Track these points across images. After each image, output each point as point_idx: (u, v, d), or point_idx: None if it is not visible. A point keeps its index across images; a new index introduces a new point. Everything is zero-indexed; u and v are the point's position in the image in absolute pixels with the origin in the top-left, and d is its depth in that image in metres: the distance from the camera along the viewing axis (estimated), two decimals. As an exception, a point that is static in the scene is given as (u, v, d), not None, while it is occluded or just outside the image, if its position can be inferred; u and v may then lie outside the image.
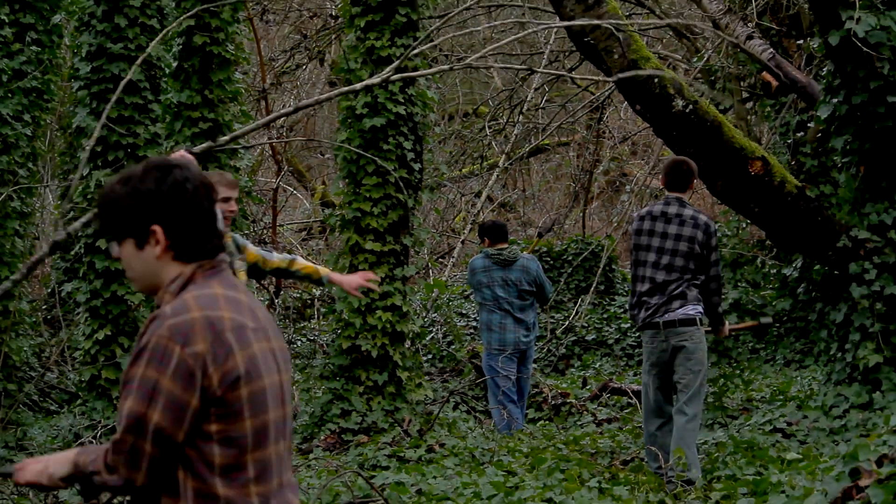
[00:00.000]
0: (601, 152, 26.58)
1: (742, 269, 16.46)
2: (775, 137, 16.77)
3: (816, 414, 11.70)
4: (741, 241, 16.94)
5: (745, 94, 18.26)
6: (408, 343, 14.06)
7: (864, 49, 11.02)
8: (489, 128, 25.26)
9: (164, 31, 8.97)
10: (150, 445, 3.44)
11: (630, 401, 15.19)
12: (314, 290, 21.42)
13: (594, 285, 20.04)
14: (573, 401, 15.54)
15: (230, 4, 14.35)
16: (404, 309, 13.88)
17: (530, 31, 15.21)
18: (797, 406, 12.69)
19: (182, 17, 10.60)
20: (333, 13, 24.63)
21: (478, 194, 25.87)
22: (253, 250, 8.66)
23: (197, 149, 7.74)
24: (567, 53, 24.12)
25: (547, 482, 9.51)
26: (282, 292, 20.20)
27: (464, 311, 20.95)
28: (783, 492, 8.13)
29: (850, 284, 11.52)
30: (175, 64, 14.50)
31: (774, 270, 16.34)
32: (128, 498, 3.59)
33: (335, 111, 15.72)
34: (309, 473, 11.07)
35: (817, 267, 12.24)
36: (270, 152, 23.75)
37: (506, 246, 14.17)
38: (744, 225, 16.87)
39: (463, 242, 22.64)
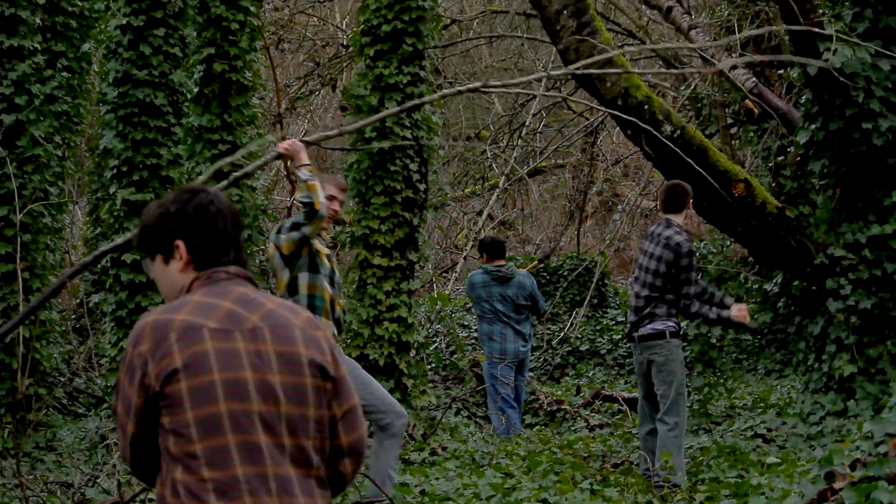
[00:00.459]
0: (595, 174, 26.57)
1: (726, 285, 16.48)
2: (757, 161, 16.78)
3: (795, 420, 11.70)
4: (725, 258, 16.98)
5: (729, 121, 18.31)
6: (413, 352, 14.07)
7: (841, 79, 11.05)
8: (490, 150, 25.29)
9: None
10: (121, 435, 3.63)
11: (621, 407, 15.19)
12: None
13: (588, 299, 20.06)
14: (567, 407, 15.53)
15: (246, 34, 14.40)
16: (409, 321, 13.90)
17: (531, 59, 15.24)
18: (777, 413, 12.70)
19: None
20: (345, 42, 24.69)
21: (479, 213, 25.86)
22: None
23: (310, 138, 8.10)
24: (563, 81, 24.15)
25: (542, 484, 9.51)
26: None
27: (465, 323, 20.94)
28: (763, 494, 8.13)
29: (826, 299, 11.53)
30: (196, 89, 14.54)
31: (756, 286, 16.33)
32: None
33: (346, 135, 15.76)
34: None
35: (796, 283, 12.26)
36: (285, 173, 23.73)
37: (504, 263, 14.19)
38: (728, 243, 16.91)
39: (465, 258, 22.65)
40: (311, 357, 3.68)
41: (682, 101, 18.99)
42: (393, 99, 13.74)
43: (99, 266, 16.87)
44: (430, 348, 18.65)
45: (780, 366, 17.05)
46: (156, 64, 14.62)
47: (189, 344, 3.53)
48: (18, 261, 13.25)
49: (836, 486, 6.36)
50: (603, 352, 19.80)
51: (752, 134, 16.74)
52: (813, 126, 11.69)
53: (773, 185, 16.01)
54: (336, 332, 8.16)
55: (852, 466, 6.46)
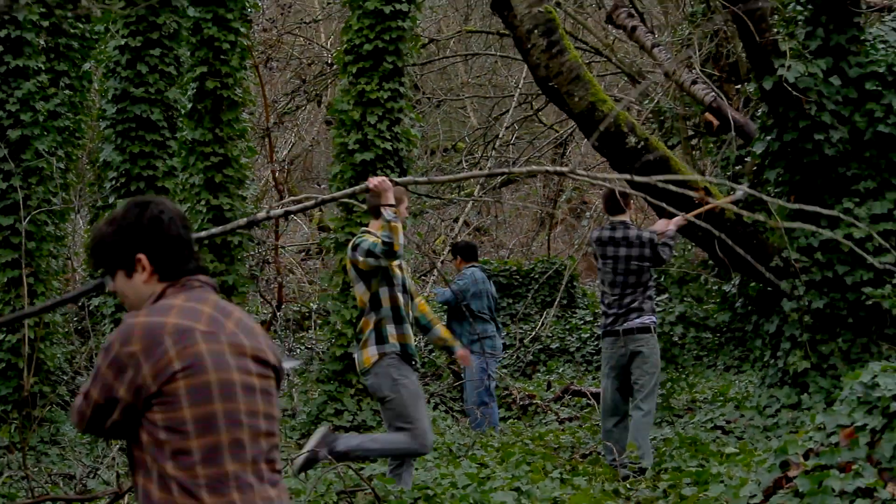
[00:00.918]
0: (564, 183, 26.59)
1: (687, 286, 16.48)
2: (717, 170, 16.79)
3: (752, 413, 11.71)
4: (687, 261, 16.97)
5: (690, 133, 18.32)
6: (394, 351, 14.03)
7: (794, 93, 11.07)
8: (466, 161, 25.28)
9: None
10: (90, 411, 3.60)
11: (589, 402, 15.20)
12: (311, 304, 21.33)
13: (558, 300, 20.03)
14: (539, 402, 15.53)
15: (237, 53, 14.37)
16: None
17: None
18: (735, 406, 12.70)
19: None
20: (329, 61, 24.65)
21: (456, 220, 25.88)
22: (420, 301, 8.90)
23: (400, 180, 8.32)
24: (535, 95, 24.18)
25: (515, 473, 9.49)
26: (283, 306, 20.12)
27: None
28: (722, 482, 8.12)
29: (781, 299, 11.55)
30: (190, 105, 14.49)
31: (716, 287, 16.33)
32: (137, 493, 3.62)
33: (330, 147, 15.79)
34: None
35: (753, 284, 12.27)
36: (273, 183, 23.69)
37: (479, 264, 14.25)
38: (689, 247, 16.90)
39: (442, 262, 22.59)
40: (274, 361, 3.76)
41: (645, 115, 19.01)
42: (374, 113, 13.73)
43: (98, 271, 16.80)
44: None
45: (738, 362, 17.08)
46: (152, 82, 14.62)
47: (185, 346, 3.52)
48: (24, 266, 13.24)
49: (791, 474, 6.37)
50: (572, 349, 19.82)
51: (711, 145, 16.76)
52: (768, 137, 11.73)
53: (732, 192, 16.02)
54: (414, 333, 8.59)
55: (806, 456, 6.47)
